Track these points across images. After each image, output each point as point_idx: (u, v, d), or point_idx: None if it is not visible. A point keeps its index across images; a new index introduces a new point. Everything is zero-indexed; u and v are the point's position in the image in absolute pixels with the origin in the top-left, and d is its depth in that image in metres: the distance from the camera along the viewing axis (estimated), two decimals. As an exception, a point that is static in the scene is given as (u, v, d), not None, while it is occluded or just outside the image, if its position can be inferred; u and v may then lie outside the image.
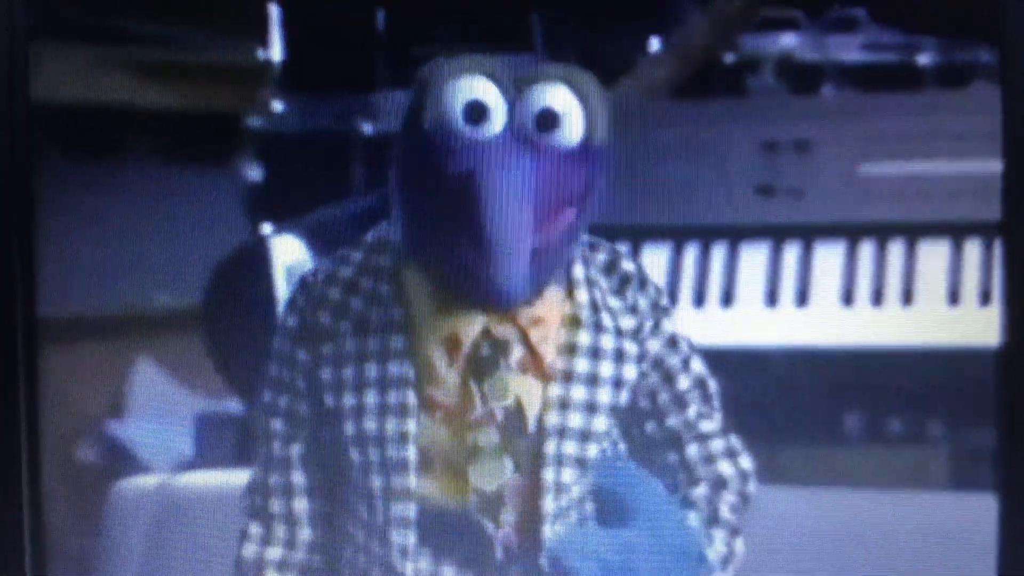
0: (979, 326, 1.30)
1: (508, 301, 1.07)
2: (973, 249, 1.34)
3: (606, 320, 1.10)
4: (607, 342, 1.10)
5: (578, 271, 1.11)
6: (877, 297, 1.34)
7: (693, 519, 1.12)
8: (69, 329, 1.20)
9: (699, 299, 1.36)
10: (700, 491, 1.13)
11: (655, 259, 1.36)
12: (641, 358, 1.12)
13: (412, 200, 1.08)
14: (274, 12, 1.39)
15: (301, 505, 1.12)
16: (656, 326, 1.12)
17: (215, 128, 1.38)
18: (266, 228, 1.34)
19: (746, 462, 1.14)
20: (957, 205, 1.32)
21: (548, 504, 1.09)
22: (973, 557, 1.09)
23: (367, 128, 1.37)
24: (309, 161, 1.36)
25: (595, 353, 1.10)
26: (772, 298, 1.36)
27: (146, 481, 1.30)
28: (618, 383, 1.10)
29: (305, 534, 1.13)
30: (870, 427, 1.33)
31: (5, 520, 1.12)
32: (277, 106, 1.40)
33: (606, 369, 1.10)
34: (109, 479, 1.30)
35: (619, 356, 1.10)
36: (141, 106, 1.35)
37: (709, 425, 1.14)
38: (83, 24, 1.29)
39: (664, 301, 1.13)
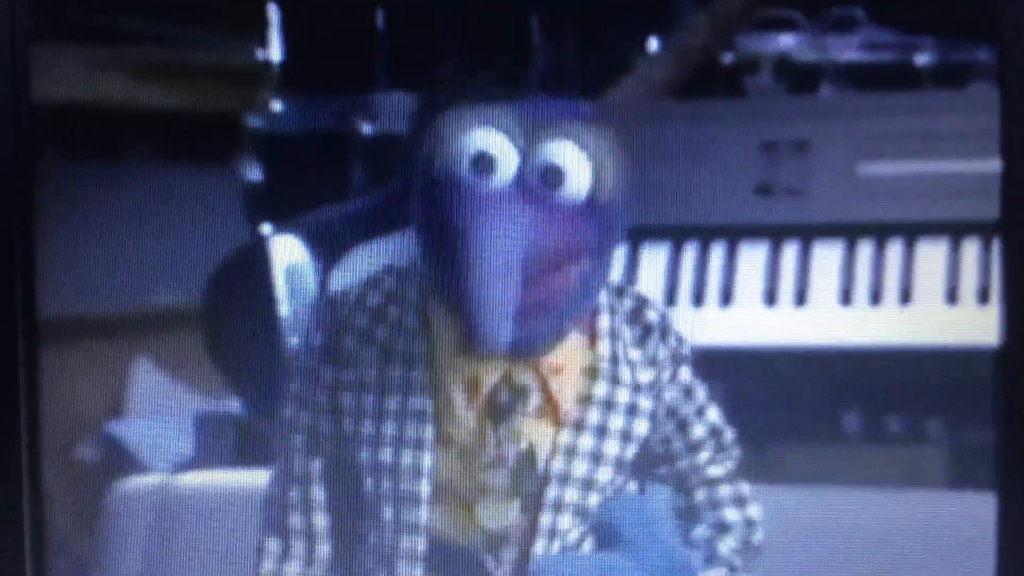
0: (977, 325, 1.30)
1: (491, 349, 1.06)
2: (971, 249, 1.34)
3: (624, 373, 1.11)
4: (622, 396, 1.10)
5: (603, 321, 1.11)
6: (875, 296, 1.34)
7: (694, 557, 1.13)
8: (69, 329, 1.20)
9: (698, 299, 1.36)
10: (700, 531, 1.14)
11: (654, 259, 1.36)
12: (655, 414, 1.12)
13: (429, 243, 1.08)
14: (273, 12, 1.39)
15: (321, 521, 1.12)
16: (673, 376, 1.13)
17: (215, 128, 1.38)
18: (266, 228, 1.34)
19: (755, 511, 1.14)
20: (955, 205, 1.33)
21: (541, 547, 1.09)
22: (971, 556, 1.09)
23: (366, 128, 1.37)
24: (309, 161, 1.37)
25: (608, 406, 1.10)
26: (771, 298, 1.36)
27: (146, 481, 1.30)
28: (627, 437, 1.10)
29: (324, 550, 1.12)
30: (868, 426, 1.33)
31: (5, 519, 1.12)
32: (277, 106, 1.40)
33: (616, 422, 1.10)
34: (108, 479, 1.30)
35: (632, 410, 1.11)
36: (141, 106, 1.35)
37: (717, 471, 1.14)
38: (84, 25, 1.29)
39: (685, 350, 1.13)
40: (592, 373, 1.10)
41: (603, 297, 1.11)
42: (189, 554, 1.21)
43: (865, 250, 1.35)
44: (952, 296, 1.33)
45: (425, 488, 1.09)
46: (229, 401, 1.30)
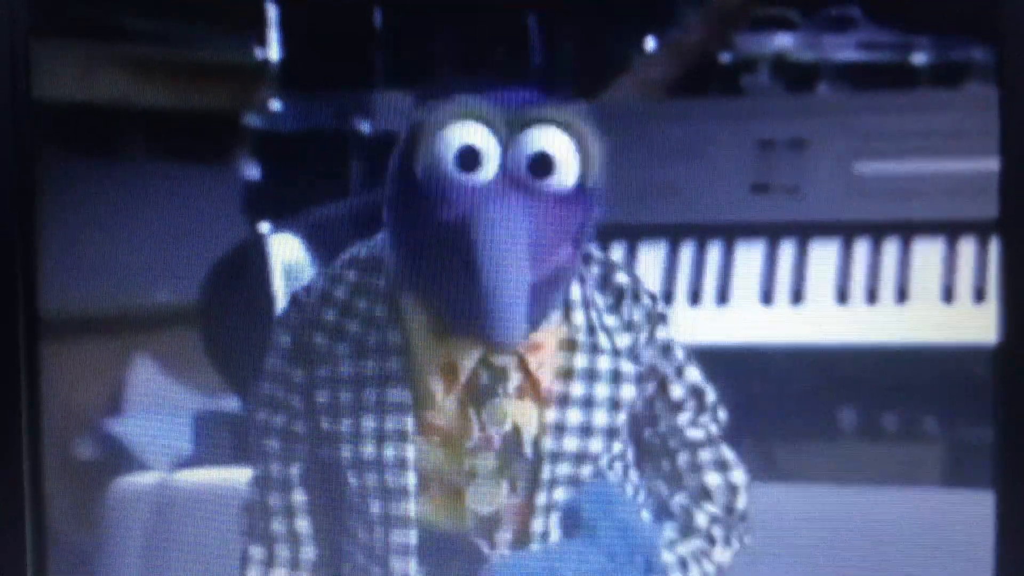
0: (974, 324, 1.30)
1: (508, 342, 1.05)
2: (967, 247, 1.34)
3: (603, 341, 1.10)
4: (603, 363, 1.09)
5: (575, 291, 1.10)
6: (872, 295, 1.35)
7: (668, 529, 1.12)
8: (69, 326, 1.20)
9: (694, 297, 1.36)
10: (679, 499, 1.13)
11: (651, 258, 1.36)
12: (639, 376, 1.11)
13: (407, 243, 1.07)
14: (272, 11, 1.39)
15: (303, 524, 1.12)
16: (651, 336, 1.12)
17: (214, 127, 1.38)
18: (264, 226, 1.34)
19: (738, 476, 1.14)
20: (952, 203, 1.33)
21: (537, 525, 1.09)
22: (969, 554, 1.09)
23: (365, 127, 1.37)
24: (307, 160, 1.37)
25: (591, 376, 1.09)
26: (767, 296, 1.36)
27: (145, 478, 1.30)
28: (615, 405, 1.10)
29: (309, 553, 1.12)
30: (865, 424, 1.34)
31: (6, 518, 1.12)
32: (275, 105, 1.40)
33: (602, 391, 1.09)
34: (108, 476, 1.30)
35: (615, 377, 1.10)
36: (140, 104, 1.35)
37: (697, 433, 1.13)
38: (83, 22, 1.29)
39: (659, 308, 1.12)
40: (570, 346, 1.09)
41: None
42: (188, 551, 1.21)
43: (861, 248, 1.36)
44: (948, 294, 1.33)
45: (412, 480, 1.08)
46: (228, 399, 1.30)
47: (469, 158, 1.04)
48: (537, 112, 1.05)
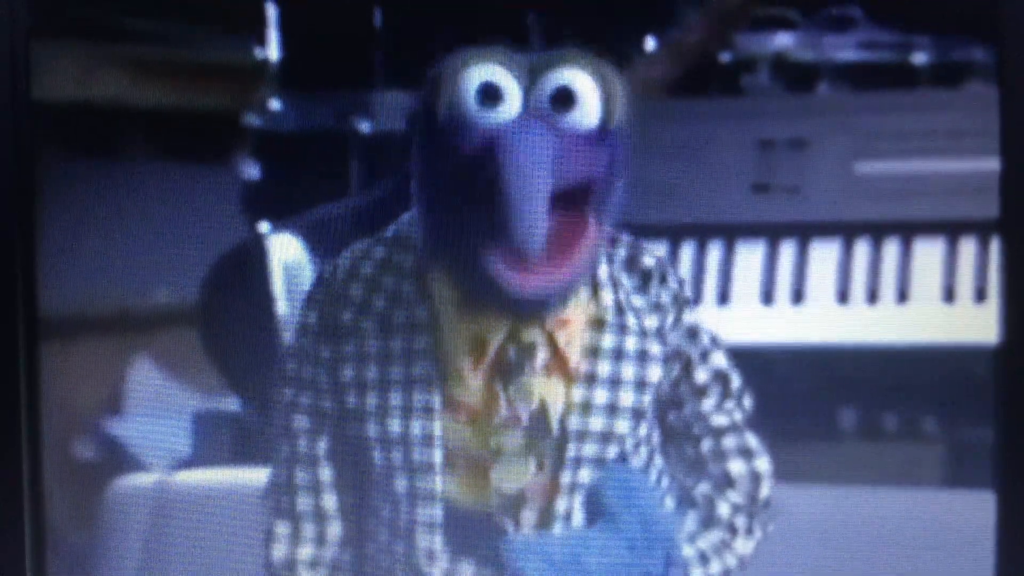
0: (974, 324, 1.30)
1: (530, 249, 1.02)
2: (968, 247, 1.34)
3: (630, 321, 1.09)
4: (631, 344, 1.09)
5: (602, 270, 1.09)
6: (872, 295, 1.35)
7: (690, 520, 1.12)
8: (68, 327, 1.20)
9: (695, 297, 1.36)
10: (702, 488, 1.13)
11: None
12: (666, 357, 1.10)
13: (433, 201, 1.06)
14: (272, 11, 1.39)
15: (330, 501, 1.11)
16: (678, 318, 1.11)
17: (213, 126, 1.38)
18: (264, 226, 1.34)
19: (762, 464, 1.13)
20: (952, 203, 1.33)
21: (561, 504, 1.08)
22: (970, 554, 1.09)
23: (365, 126, 1.37)
24: (307, 159, 1.37)
25: (618, 355, 1.08)
26: (768, 296, 1.36)
27: (144, 478, 1.30)
28: (641, 385, 1.09)
29: (335, 530, 1.11)
30: (866, 424, 1.34)
31: (6, 518, 1.12)
32: (275, 104, 1.40)
33: (628, 372, 1.08)
34: (107, 476, 1.30)
35: (643, 357, 1.09)
36: (140, 104, 1.35)
37: (722, 419, 1.13)
38: (83, 22, 1.29)
39: (686, 292, 1.12)
40: (598, 324, 1.08)
41: None
42: (187, 551, 1.21)
43: (862, 248, 1.36)
44: (949, 294, 1.33)
45: (438, 456, 1.07)
46: (227, 399, 1.31)
47: (490, 93, 1.03)
48: (559, 55, 1.05)
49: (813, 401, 1.31)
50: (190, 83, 1.37)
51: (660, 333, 1.10)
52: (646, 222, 1.34)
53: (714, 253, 1.37)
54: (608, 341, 1.08)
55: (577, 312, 1.08)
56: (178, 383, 1.33)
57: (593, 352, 1.08)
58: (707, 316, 1.33)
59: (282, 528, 1.12)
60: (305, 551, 1.11)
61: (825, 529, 1.18)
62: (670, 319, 1.11)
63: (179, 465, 1.29)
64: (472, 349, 1.07)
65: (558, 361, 1.08)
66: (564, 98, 1.04)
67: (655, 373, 1.09)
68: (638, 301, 1.10)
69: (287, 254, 1.31)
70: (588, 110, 1.04)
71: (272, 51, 1.40)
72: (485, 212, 1.02)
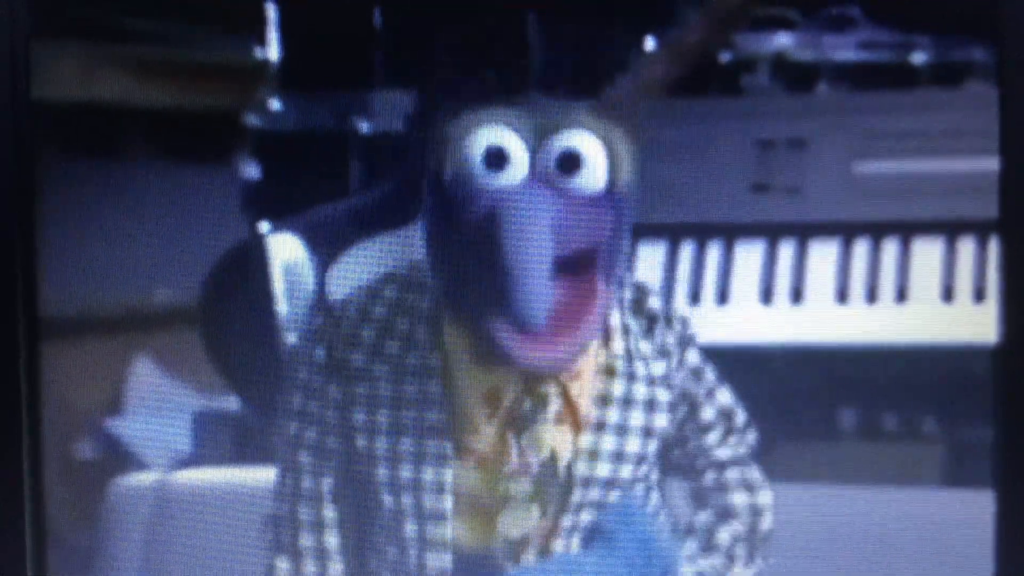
0: (973, 323, 1.30)
1: (533, 324, 1.03)
2: (967, 247, 1.34)
3: (639, 369, 1.10)
4: (640, 392, 1.09)
5: (614, 317, 1.09)
6: (871, 294, 1.35)
7: (688, 546, 1.12)
8: (69, 326, 1.20)
9: (694, 297, 1.36)
10: (702, 517, 1.13)
11: (650, 257, 1.36)
12: (672, 404, 1.11)
13: (444, 258, 1.07)
14: (272, 11, 1.39)
15: (332, 540, 1.11)
16: (682, 360, 1.12)
17: (213, 126, 1.38)
18: (264, 226, 1.34)
19: (764, 497, 1.14)
20: (951, 203, 1.33)
21: (558, 545, 1.09)
22: (969, 554, 1.09)
23: (364, 126, 1.37)
24: (307, 159, 1.37)
25: (627, 403, 1.09)
26: (767, 296, 1.36)
27: (144, 478, 1.30)
28: (648, 432, 1.09)
29: (336, 569, 1.11)
30: (865, 424, 1.34)
31: (6, 518, 1.12)
32: (275, 104, 1.40)
33: (636, 419, 1.09)
34: (108, 476, 1.30)
35: (650, 405, 1.10)
36: (140, 104, 1.35)
37: (726, 453, 1.14)
38: (83, 23, 1.29)
39: (689, 331, 1.13)
40: (609, 372, 1.09)
41: None
42: (187, 551, 1.21)
43: (861, 248, 1.36)
44: (948, 294, 1.33)
45: (448, 503, 1.07)
46: (227, 399, 1.31)
47: (496, 158, 1.04)
48: (565, 116, 1.05)
49: (812, 401, 1.31)
50: (190, 83, 1.37)
51: (666, 379, 1.11)
52: (646, 222, 1.34)
53: (713, 253, 1.37)
54: (618, 389, 1.09)
55: (588, 361, 1.08)
56: (178, 383, 1.33)
57: (603, 400, 1.09)
58: (707, 316, 1.34)
59: (283, 564, 1.12)
60: None
61: (824, 529, 1.18)
62: (675, 361, 1.11)
63: (179, 464, 1.29)
64: (487, 399, 1.07)
65: (569, 410, 1.08)
66: (571, 162, 1.04)
67: (661, 421, 1.10)
68: (645, 347, 1.10)
69: (287, 254, 1.31)
70: (595, 173, 1.05)
71: (272, 51, 1.40)
72: (490, 279, 1.03)
